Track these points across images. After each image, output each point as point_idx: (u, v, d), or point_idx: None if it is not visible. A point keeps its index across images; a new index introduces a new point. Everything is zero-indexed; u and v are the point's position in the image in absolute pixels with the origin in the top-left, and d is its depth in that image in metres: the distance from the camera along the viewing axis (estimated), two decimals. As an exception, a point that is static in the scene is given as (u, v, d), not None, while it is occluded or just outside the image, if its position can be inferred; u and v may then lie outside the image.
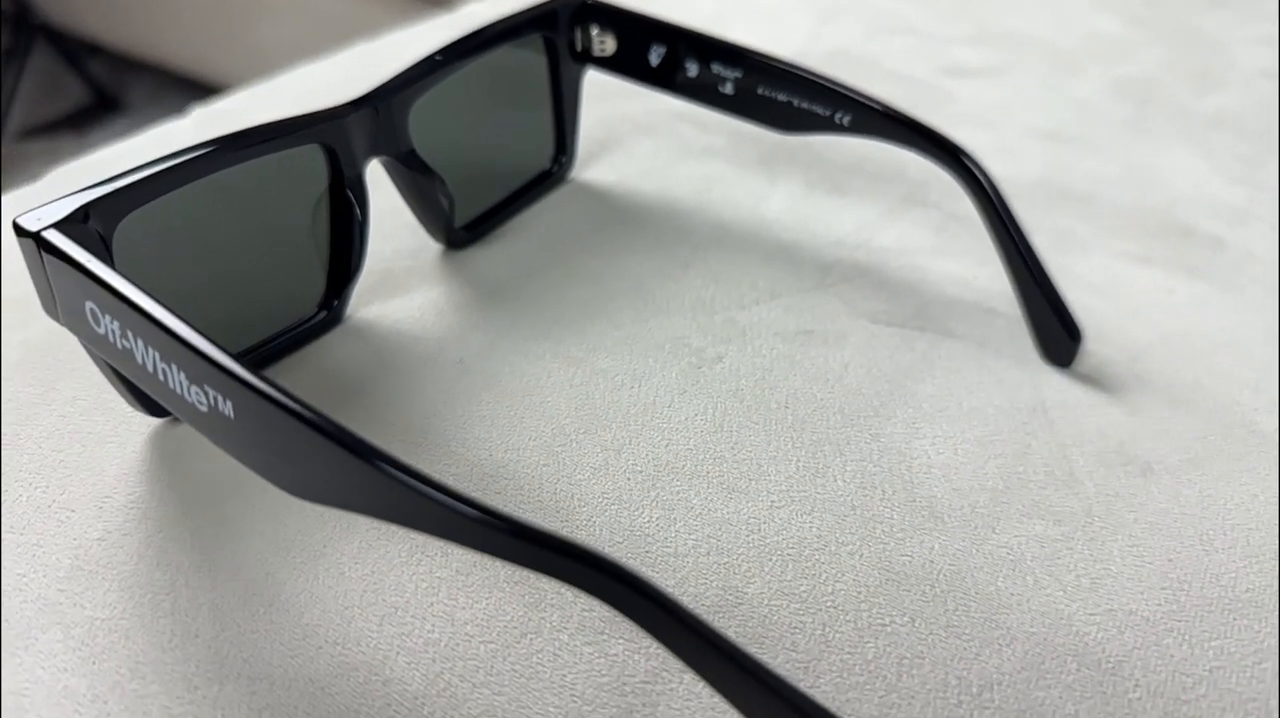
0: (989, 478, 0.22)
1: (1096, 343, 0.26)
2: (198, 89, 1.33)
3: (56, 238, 0.18)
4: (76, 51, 1.34)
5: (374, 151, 0.25)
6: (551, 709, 0.17)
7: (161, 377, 0.17)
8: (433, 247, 0.28)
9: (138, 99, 1.38)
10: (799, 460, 0.22)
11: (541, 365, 0.24)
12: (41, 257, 0.18)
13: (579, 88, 0.31)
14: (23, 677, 0.17)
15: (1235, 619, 0.19)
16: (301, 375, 0.24)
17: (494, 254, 0.28)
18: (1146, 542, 0.21)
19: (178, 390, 0.17)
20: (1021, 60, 0.42)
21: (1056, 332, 0.24)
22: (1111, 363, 0.25)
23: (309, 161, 0.24)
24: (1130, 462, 0.22)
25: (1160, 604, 0.19)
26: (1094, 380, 0.25)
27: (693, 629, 0.14)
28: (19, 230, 0.18)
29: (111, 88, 1.38)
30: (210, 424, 0.17)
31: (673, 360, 0.25)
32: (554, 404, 0.23)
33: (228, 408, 0.16)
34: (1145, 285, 0.28)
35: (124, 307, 0.17)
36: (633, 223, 0.30)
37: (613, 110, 0.35)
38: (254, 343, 0.24)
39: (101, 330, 0.18)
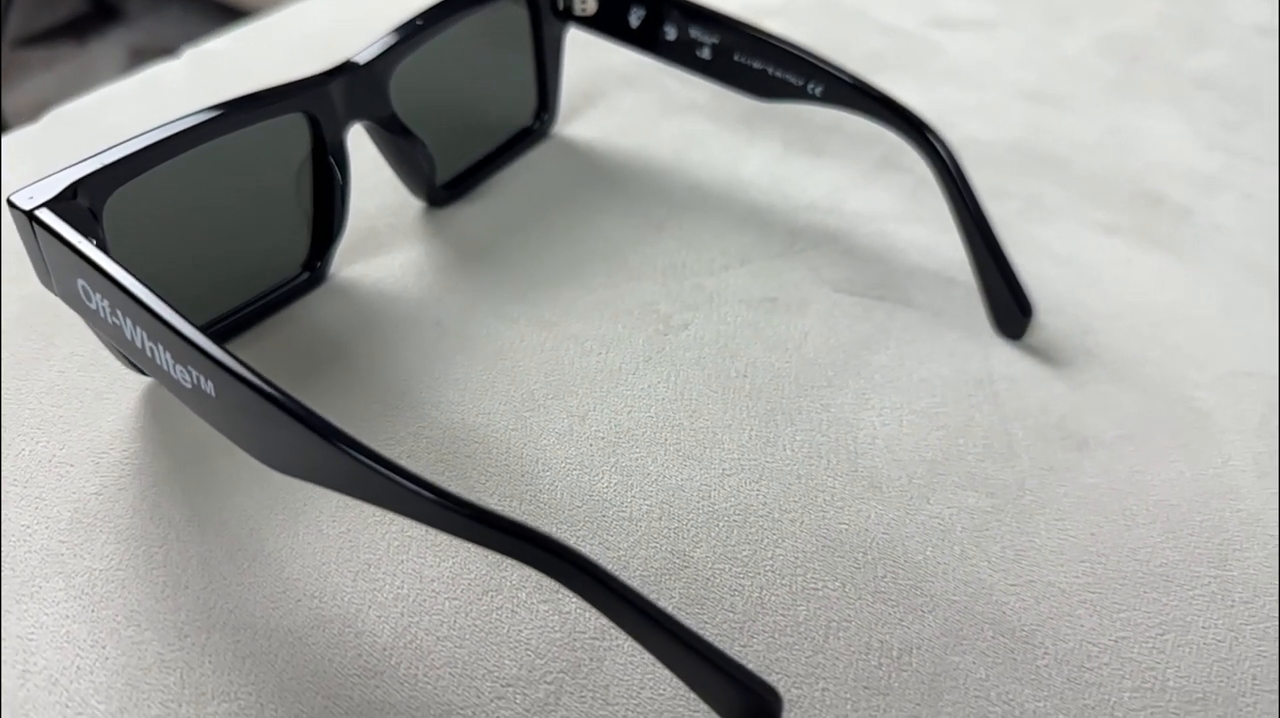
0: (929, 450, 0.23)
1: (1051, 315, 0.27)
2: (193, 1, 1.31)
3: (48, 217, 0.19)
4: (76, -43, 1.32)
5: (355, 117, 0.26)
6: (507, 661, 0.19)
7: (149, 353, 0.18)
8: (415, 203, 0.29)
9: (135, 8, 1.36)
10: (752, 429, 0.23)
11: (515, 329, 0.26)
12: (35, 234, 0.19)
13: (561, 46, 0.31)
14: (28, 622, 0.19)
15: (1145, 592, 0.21)
16: (286, 335, 0.25)
17: (475, 213, 0.29)
18: (1073, 516, 0.22)
19: (164, 367, 0.18)
20: (1013, 12, 0.42)
21: (1009, 306, 0.26)
22: (1063, 336, 0.26)
23: (292, 129, 0.25)
24: (1068, 436, 0.24)
25: (1078, 577, 0.21)
26: (1043, 354, 0.26)
27: (626, 599, 0.16)
28: (13, 207, 0.19)
29: (112, -4, 1.35)
30: (194, 400, 0.18)
31: (641, 327, 0.26)
32: (525, 368, 0.24)
33: (209, 387, 0.18)
34: (1107, 256, 0.29)
35: (112, 287, 0.18)
36: (612, 182, 0.31)
37: (597, 62, 0.35)
38: (241, 303, 0.25)
39: (93, 306, 0.19)
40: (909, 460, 0.23)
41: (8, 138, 0.33)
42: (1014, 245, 0.29)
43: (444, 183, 0.29)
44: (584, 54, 0.35)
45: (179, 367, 0.18)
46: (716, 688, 0.17)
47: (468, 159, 0.30)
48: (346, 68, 0.25)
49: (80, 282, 0.19)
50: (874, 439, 0.23)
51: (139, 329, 0.18)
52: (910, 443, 0.23)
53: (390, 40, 0.26)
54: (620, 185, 0.31)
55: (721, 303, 0.27)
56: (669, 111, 0.34)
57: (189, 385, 0.18)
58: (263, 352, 0.25)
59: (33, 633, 0.19)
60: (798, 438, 0.23)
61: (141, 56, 1.30)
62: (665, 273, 0.28)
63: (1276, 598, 0.21)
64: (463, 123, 0.30)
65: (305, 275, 0.26)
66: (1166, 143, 0.34)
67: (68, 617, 0.19)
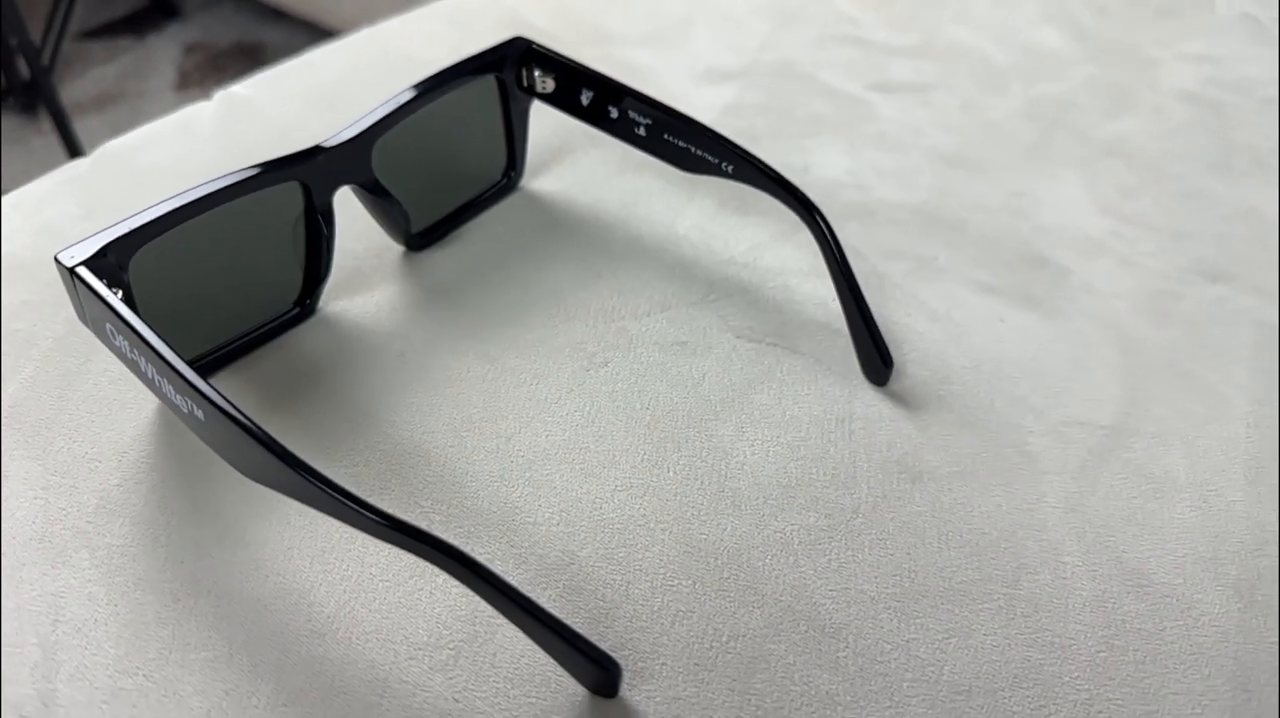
0: (786, 476, 0.28)
1: (916, 365, 0.32)
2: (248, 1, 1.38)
3: (85, 273, 0.25)
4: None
5: (340, 183, 0.31)
6: (421, 630, 0.24)
7: (157, 383, 0.24)
8: (397, 247, 0.35)
9: (193, 5, 1.44)
10: (645, 453, 0.29)
11: (464, 362, 0.31)
12: (75, 285, 0.25)
13: (527, 115, 0.36)
14: (60, 583, 0.25)
15: (942, 603, 0.26)
16: (276, 360, 0.31)
17: (446, 257, 0.35)
18: (895, 537, 0.27)
19: (168, 395, 0.24)
20: (952, 76, 0.46)
21: (873, 357, 0.31)
22: (922, 384, 0.31)
23: (288, 193, 0.30)
24: (905, 470, 0.29)
25: (888, 587, 0.26)
26: (901, 399, 0.31)
27: (493, 584, 0.21)
28: (59, 263, 0.25)
29: (168, -6, 1.43)
30: (189, 420, 0.24)
31: (568, 363, 0.31)
32: (467, 396, 0.30)
33: (199, 413, 0.23)
34: (981, 313, 0.34)
35: (130, 332, 0.24)
36: (565, 232, 0.36)
37: (569, 124, 0.41)
38: (243, 332, 0.31)
39: (117, 344, 0.25)
40: (768, 484, 0.28)
41: (61, 171, 0.39)
42: (896, 303, 0.34)
43: (419, 231, 0.35)
44: (557, 115, 0.40)
45: (178, 395, 0.24)
46: (570, 658, 0.22)
47: (442, 210, 0.36)
48: (336, 144, 0.30)
49: (108, 325, 0.25)
50: (743, 465, 0.28)
51: (149, 365, 0.24)
52: (772, 470, 0.28)
53: (374, 118, 0.31)
54: (572, 235, 0.36)
55: (639, 345, 0.32)
56: (624, 169, 0.39)
57: (185, 410, 0.24)
58: (257, 374, 0.30)
59: (63, 592, 0.25)
60: (681, 462, 0.28)
61: (194, 52, 1.37)
62: (597, 316, 0.33)
63: (1051, 615, 0.26)
64: (438, 180, 0.35)
65: (296, 310, 0.32)
66: (1063, 208, 0.39)
67: (90, 581, 0.25)
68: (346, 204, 0.33)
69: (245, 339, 0.31)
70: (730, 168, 0.32)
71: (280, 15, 1.38)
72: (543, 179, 0.38)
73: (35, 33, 1.16)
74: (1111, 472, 0.29)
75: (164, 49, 1.39)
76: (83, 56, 1.37)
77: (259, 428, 0.22)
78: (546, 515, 0.27)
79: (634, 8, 0.50)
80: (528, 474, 0.28)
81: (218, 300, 0.30)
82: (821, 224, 0.31)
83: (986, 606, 0.26)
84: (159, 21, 1.42)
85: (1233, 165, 0.42)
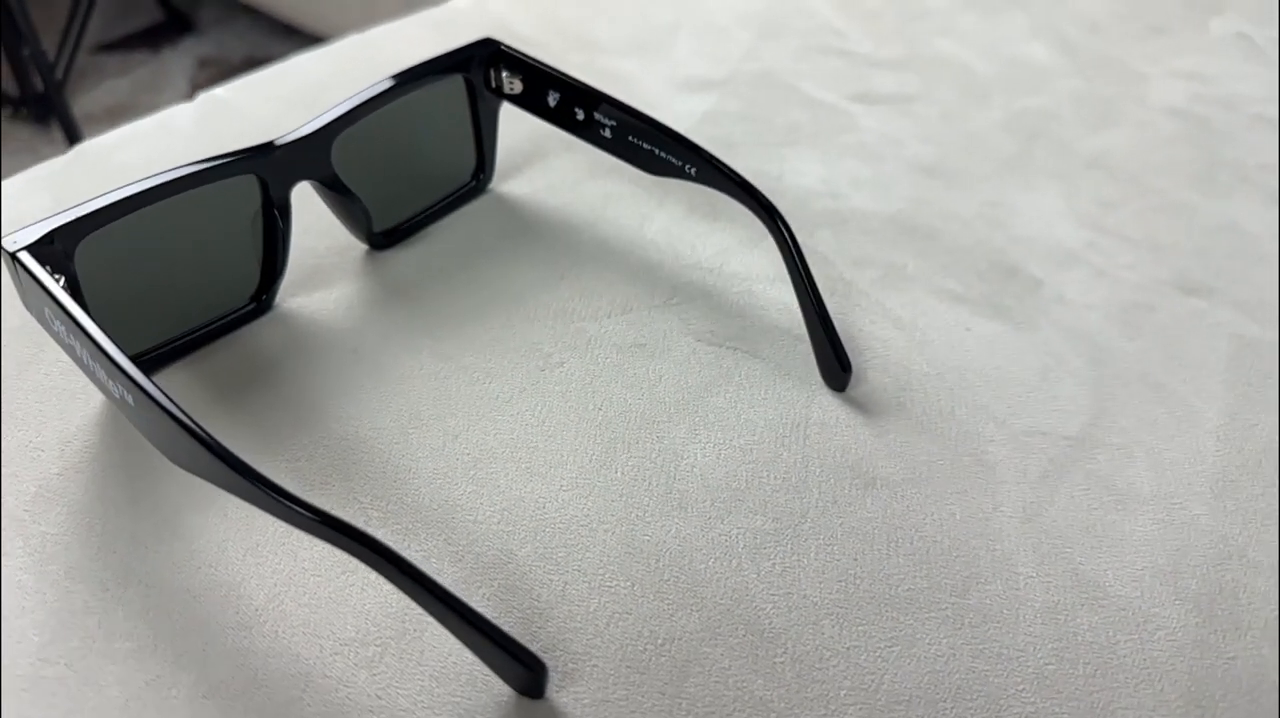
0: (736, 479, 0.28)
1: (878, 372, 0.31)
2: (261, 16, 1.40)
3: (26, 258, 0.25)
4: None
5: (300, 178, 0.31)
6: (349, 626, 0.24)
7: (91, 368, 0.24)
8: (361, 246, 0.35)
9: (207, 21, 1.46)
10: (594, 454, 0.28)
11: (418, 359, 0.31)
12: (16, 270, 0.25)
13: (496, 117, 0.36)
14: (-10, 570, 0.25)
15: (886, 611, 0.25)
16: (229, 355, 0.31)
17: (410, 257, 0.35)
18: (842, 542, 0.26)
19: (101, 380, 0.24)
20: (934, 88, 0.46)
21: (832, 363, 0.30)
22: (882, 390, 0.31)
23: (245, 186, 0.30)
24: (859, 476, 0.28)
25: (831, 593, 0.25)
26: (860, 405, 0.30)
27: (417, 580, 0.21)
28: (2, 248, 0.25)
29: (184, 8, 1.45)
30: (122, 407, 0.24)
31: (523, 362, 0.31)
32: (417, 393, 0.30)
33: (130, 399, 0.23)
34: (947, 322, 0.33)
35: (65, 316, 0.24)
36: (531, 235, 0.36)
37: (543, 127, 0.41)
38: (197, 326, 0.31)
39: (55, 329, 0.25)
40: (717, 487, 0.27)
41: (37, 168, 0.40)
42: (861, 310, 0.33)
43: (383, 231, 0.34)
44: (531, 120, 0.40)
45: (110, 381, 0.23)
46: (496, 658, 0.22)
47: (406, 211, 0.35)
48: (292, 140, 0.30)
49: (46, 310, 0.25)
50: (693, 467, 0.28)
51: (84, 350, 0.24)
52: (722, 472, 0.28)
53: (335, 113, 0.31)
54: (537, 238, 0.36)
55: (597, 346, 0.32)
56: (595, 174, 0.39)
57: (117, 396, 0.23)
58: (209, 368, 0.30)
59: (-7, 579, 0.24)
60: (630, 463, 0.28)
61: (207, 66, 1.39)
62: (556, 317, 0.33)
63: (1000, 625, 0.25)
64: (403, 180, 0.35)
65: (253, 306, 0.32)
66: (1039, 219, 0.38)
67: (21, 568, 0.25)
68: (311, 202, 0.33)
69: (200, 333, 0.31)
70: (693, 170, 0.32)
71: (292, 31, 1.40)
72: (513, 182, 0.38)
73: (51, 45, 1.18)
74: (1073, 482, 0.29)
75: (178, 63, 1.40)
76: (98, 69, 1.39)
77: (182, 412, 0.22)
78: (487, 514, 0.26)
79: (622, 18, 0.50)
80: (472, 472, 0.27)
81: (172, 293, 0.30)
82: (781, 226, 0.30)
83: (933, 614, 0.25)
84: (174, 36, 1.44)
85: (1217, 180, 0.41)
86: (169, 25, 1.44)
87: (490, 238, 0.36)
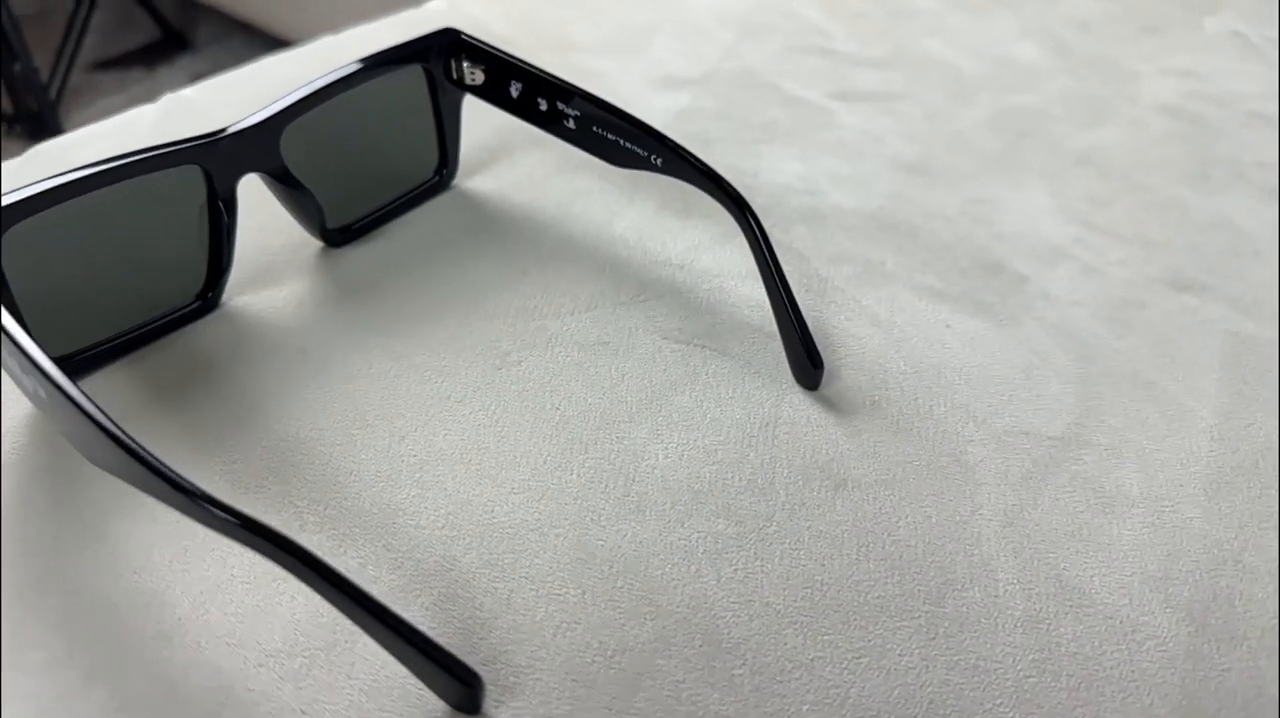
0: (699, 481, 0.26)
1: (852, 370, 0.30)
2: (257, 33, 1.40)
3: (-58, 246, 0.23)
4: (149, -8, 1.42)
5: (247, 170, 0.30)
6: (276, 636, 0.22)
7: (8, 360, 0.23)
8: (317, 243, 0.33)
9: (204, 39, 1.46)
10: (549, 454, 0.27)
11: (367, 358, 0.29)
12: (-67, 258, 0.24)
13: (459, 109, 0.35)
14: (-102, 577, 0.23)
15: (854, 620, 0.23)
16: (171, 353, 0.29)
17: (366, 254, 0.33)
18: (809, 547, 0.25)
19: (15, 373, 0.22)
20: (919, 86, 0.45)
21: (803, 360, 0.28)
22: (856, 389, 0.29)
23: (189, 178, 0.29)
24: (829, 478, 0.26)
25: (796, 601, 0.24)
26: (833, 404, 0.29)
27: (342, 589, 0.19)
28: (-80, 236, 0.24)
29: (180, 26, 1.45)
30: (36, 401, 0.22)
31: (479, 361, 0.29)
32: (365, 393, 0.28)
33: (43, 393, 0.22)
34: (927, 319, 0.32)
35: (-21, 307, 0.22)
36: (494, 232, 0.34)
37: (512, 122, 0.39)
38: (139, 323, 0.29)
39: (-29, 321, 0.23)
40: (678, 489, 0.26)
41: (-5, 169, 0.38)
42: (837, 307, 0.32)
43: (338, 227, 0.33)
44: (498, 116, 0.38)
45: (24, 375, 0.22)
46: (427, 671, 0.20)
47: (364, 208, 0.34)
48: (239, 130, 0.29)
49: (-39, 300, 0.23)
50: (653, 469, 0.26)
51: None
52: (684, 474, 0.26)
53: (285, 102, 0.30)
54: (501, 234, 0.34)
55: (558, 344, 0.30)
56: (565, 170, 0.38)
57: (31, 389, 0.22)
58: (150, 367, 0.29)
59: (-100, 586, 0.23)
60: (587, 464, 0.26)
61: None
62: (516, 314, 0.31)
63: (978, 635, 0.23)
64: (361, 174, 0.34)
65: (198, 304, 0.30)
66: (1025, 216, 0.37)
67: (-70, 575, 0.23)
68: (267, 197, 0.32)
69: (141, 332, 0.29)
70: (659, 161, 0.31)
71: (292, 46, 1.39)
72: (478, 178, 0.37)
73: (47, 63, 1.17)
74: (1057, 484, 0.27)
75: (173, 80, 1.40)
76: (94, 86, 1.39)
77: (94, 405, 0.20)
78: (431, 518, 0.25)
79: (600, 19, 0.49)
80: (417, 475, 0.26)
81: (111, 290, 0.28)
82: (749, 217, 0.29)
83: (905, 623, 0.23)
84: (170, 54, 1.44)
85: (1211, 176, 0.40)
86: (165, 43, 1.44)
87: (452, 234, 0.34)
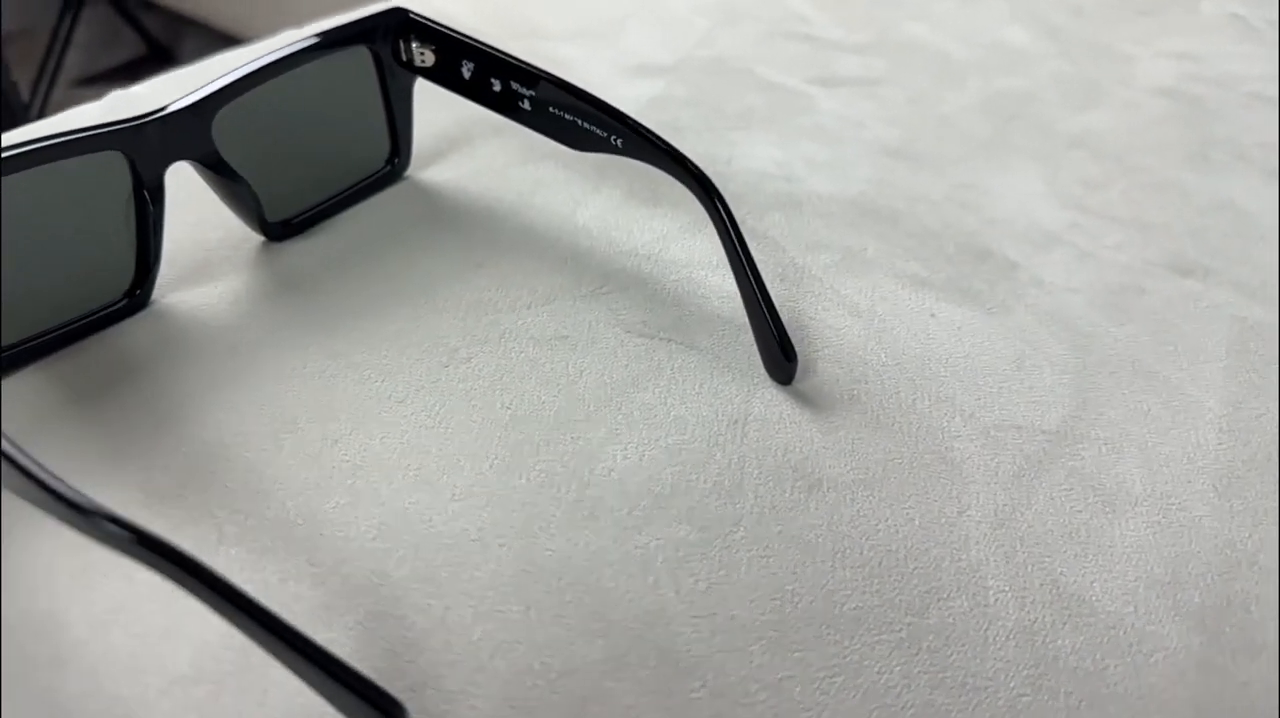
0: (660, 484, 0.24)
1: (830, 363, 0.27)
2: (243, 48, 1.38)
3: None
4: (132, 5, 1.41)
5: (175, 157, 0.28)
6: (182, 660, 0.20)
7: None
8: (257, 238, 0.31)
9: (189, 54, 1.44)
10: (496, 458, 0.24)
11: (302, 357, 0.27)
12: None
13: (410, 94, 0.33)
14: None
15: (828, 633, 0.21)
16: (95, 354, 0.27)
17: (310, 248, 0.31)
18: (780, 554, 0.22)
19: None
20: (903, 71, 0.43)
21: (775, 352, 0.26)
22: (834, 383, 0.27)
23: (112, 166, 0.27)
24: (802, 478, 0.24)
25: (764, 613, 0.21)
26: (808, 399, 0.26)
27: (249, 612, 0.17)
28: None
29: (165, 41, 1.44)
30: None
31: (425, 358, 0.27)
32: (298, 394, 0.26)
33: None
34: (910, 308, 0.30)
35: None
36: (448, 223, 0.32)
37: (471, 110, 0.37)
38: (60, 323, 0.27)
39: None
40: (636, 493, 0.24)
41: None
42: (814, 296, 0.30)
43: (280, 220, 0.31)
44: (458, 101, 0.36)
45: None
46: (342, 698, 0.18)
47: (308, 199, 0.32)
48: (164, 113, 0.27)
49: None
50: (610, 471, 0.24)
51: None
52: (644, 476, 0.24)
53: (215, 85, 0.28)
54: (456, 226, 0.32)
55: (512, 339, 0.28)
56: (528, 159, 0.35)
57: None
58: (69, 368, 0.26)
59: None
60: (538, 468, 0.24)
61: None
62: (468, 309, 0.29)
63: (966, 649, 0.21)
64: (305, 163, 0.31)
65: (125, 302, 0.28)
66: (1015, 200, 0.35)
67: None
68: (204, 189, 0.29)
69: (65, 330, 0.27)
70: (619, 142, 0.29)
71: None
72: (434, 169, 0.35)
73: (29, 80, 1.16)
74: (1052, 482, 0.25)
75: (158, 96, 1.39)
76: (77, 102, 1.37)
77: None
78: (362, 529, 0.23)
79: (571, 7, 0.47)
80: (349, 482, 0.24)
81: (31, 286, 0.26)
82: (715, 200, 0.27)
83: (884, 637, 0.21)
84: (155, 69, 1.43)
85: (1211, 158, 0.38)
86: (150, 58, 1.43)
87: (403, 226, 0.32)
